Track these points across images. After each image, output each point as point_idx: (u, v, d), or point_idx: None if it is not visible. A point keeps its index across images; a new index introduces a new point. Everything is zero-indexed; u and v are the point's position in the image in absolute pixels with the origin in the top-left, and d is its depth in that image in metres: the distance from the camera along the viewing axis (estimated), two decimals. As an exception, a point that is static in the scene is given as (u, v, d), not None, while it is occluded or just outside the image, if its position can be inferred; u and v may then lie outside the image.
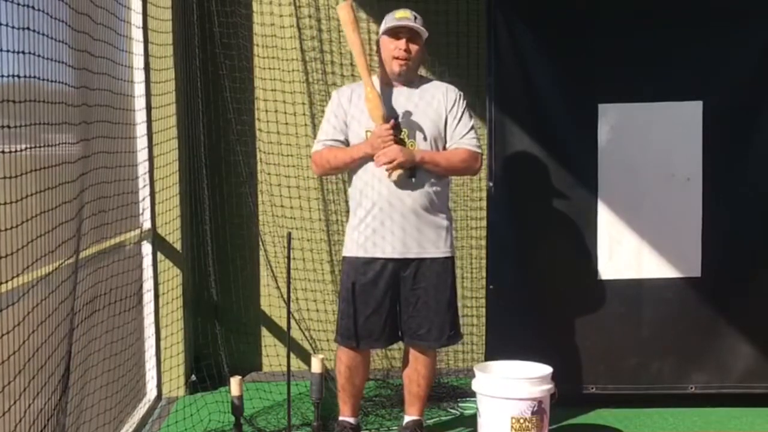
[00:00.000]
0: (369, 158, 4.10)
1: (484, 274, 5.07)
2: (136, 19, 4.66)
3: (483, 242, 5.14)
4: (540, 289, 4.85)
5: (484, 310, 5.04)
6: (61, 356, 2.89)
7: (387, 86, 4.20)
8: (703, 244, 4.77)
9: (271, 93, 5.50)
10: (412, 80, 4.22)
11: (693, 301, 4.81)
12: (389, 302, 4.18)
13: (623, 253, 4.81)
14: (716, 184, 4.76)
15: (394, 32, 4.14)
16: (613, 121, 4.80)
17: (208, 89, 5.37)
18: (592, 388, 4.86)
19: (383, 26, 4.19)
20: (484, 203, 5.12)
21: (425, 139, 4.13)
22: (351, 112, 4.19)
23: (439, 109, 4.18)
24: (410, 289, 4.17)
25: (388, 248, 4.12)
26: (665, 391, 4.85)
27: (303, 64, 5.49)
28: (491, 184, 4.83)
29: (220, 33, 5.35)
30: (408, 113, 4.15)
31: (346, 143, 4.21)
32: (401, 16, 4.14)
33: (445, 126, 4.19)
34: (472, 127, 4.24)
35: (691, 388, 4.85)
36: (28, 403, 2.62)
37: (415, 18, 4.16)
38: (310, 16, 5.47)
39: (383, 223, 4.11)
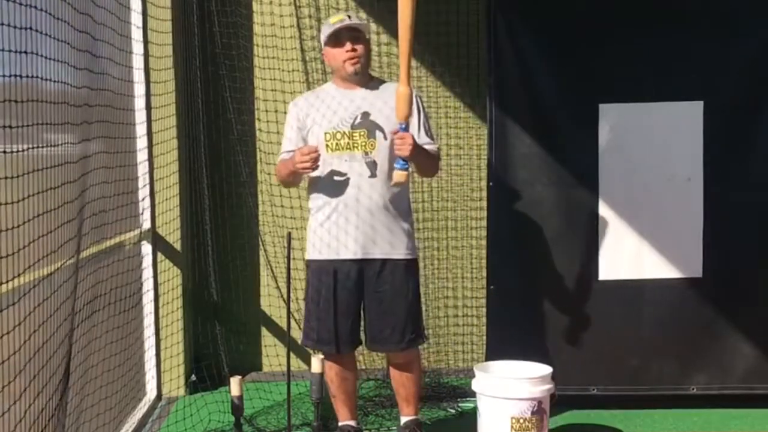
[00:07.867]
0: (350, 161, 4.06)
1: (484, 274, 5.06)
2: (136, 19, 4.66)
3: (483, 242, 5.14)
4: (540, 289, 4.85)
5: (484, 310, 5.04)
6: (62, 356, 2.89)
7: (342, 90, 4.16)
8: (704, 245, 4.76)
9: (271, 93, 5.49)
10: (367, 80, 4.19)
11: (694, 301, 4.80)
12: (355, 304, 4.14)
13: (624, 253, 4.81)
14: (717, 184, 4.75)
15: (336, 38, 4.09)
16: (614, 121, 4.79)
17: (208, 89, 5.37)
18: (593, 389, 4.85)
19: (323, 36, 4.15)
20: (484, 203, 5.12)
21: (385, 138, 4.07)
22: (312, 115, 4.15)
23: None
24: (373, 291, 4.12)
25: (355, 247, 4.05)
26: (666, 392, 4.84)
27: (303, 64, 5.48)
28: (491, 183, 4.83)
29: (220, 33, 5.35)
30: (366, 114, 4.10)
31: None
32: (337, 20, 4.10)
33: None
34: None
35: (693, 389, 4.83)
36: (29, 404, 2.61)
37: (349, 17, 4.13)
38: (310, 16, 5.46)
39: (348, 219, 4.06)
